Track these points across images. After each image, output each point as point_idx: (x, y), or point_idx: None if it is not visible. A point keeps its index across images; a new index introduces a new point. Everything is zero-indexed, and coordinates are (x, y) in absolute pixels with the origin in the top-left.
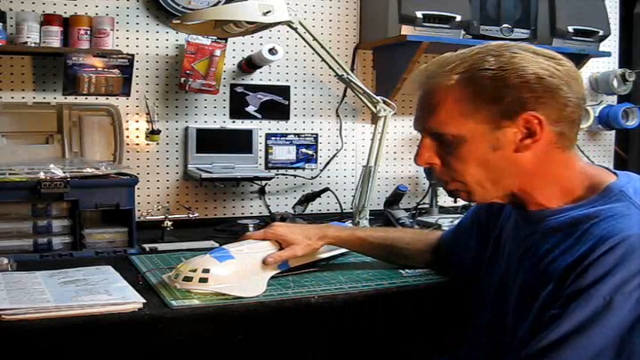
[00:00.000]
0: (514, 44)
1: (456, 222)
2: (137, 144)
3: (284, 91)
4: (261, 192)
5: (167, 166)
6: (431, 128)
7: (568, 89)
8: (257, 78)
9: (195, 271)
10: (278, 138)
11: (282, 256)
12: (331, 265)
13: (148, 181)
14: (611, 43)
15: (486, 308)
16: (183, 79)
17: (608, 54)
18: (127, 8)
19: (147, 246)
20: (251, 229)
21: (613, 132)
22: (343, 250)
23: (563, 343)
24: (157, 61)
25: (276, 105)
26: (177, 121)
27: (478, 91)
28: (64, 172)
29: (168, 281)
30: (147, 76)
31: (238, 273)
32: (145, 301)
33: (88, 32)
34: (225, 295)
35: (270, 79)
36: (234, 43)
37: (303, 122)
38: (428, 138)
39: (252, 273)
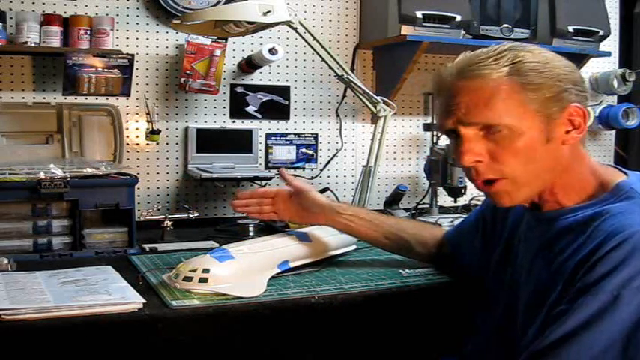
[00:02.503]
0: (527, 45)
1: (457, 222)
2: (137, 144)
3: (284, 91)
4: None
5: (167, 166)
6: (484, 121)
7: (584, 88)
8: (257, 78)
9: (195, 271)
10: (278, 138)
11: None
12: (331, 265)
13: (148, 181)
14: (611, 43)
15: (497, 308)
16: (183, 79)
17: (608, 54)
18: (127, 8)
19: (147, 246)
20: (251, 229)
21: (613, 132)
22: (346, 249)
23: (570, 339)
24: (157, 61)
25: (276, 105)
26: (177, 121)
27: (529, 82)
28: (64, 172)
29: (168, 281)
30: (147, 76)
31: (238, 273)
32: (144, 301)
33: (88, 32)
34: (225, 295)
35: (270, 79)
36: (234, 43)
37: (303, 122)
38: (474, 133)
39: (252, 273)
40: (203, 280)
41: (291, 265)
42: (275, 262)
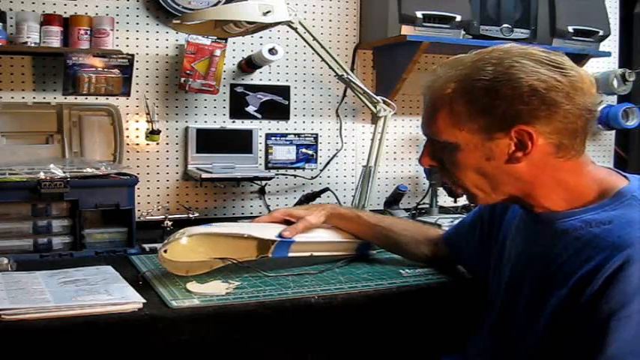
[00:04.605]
0: (520, 50)
1: (457, 222)
2: (137, 144)
3: (284, 91)
4: (261, 192)
5: (167, 166)
6: (429, 134)
7: (568, 101)
8: (257, 78)
9: (182, 233)
10: (278, 138)
11: (298, 228)
12: (330, 264)
13: (148, 181)
14: (611, 43)
15: (493, 308)
16: (183, 79)
17: (608, 54)
18: (127, 8)
19: (147, 246)
20: None
21: (613, 132)
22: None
23: None
24: (156, 61)
25: (276, 105)
26: (177, 121)
27: (472, 101)
28: (64, 172)
29: (158, 257)
30: (147, 76)
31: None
32: (144, 301)
33: (88, 32)
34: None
35: (270, 79)
36: (234, 43)
37: (303, 122)
38: (429, 142)
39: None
40: (182, 234)
41: (295, 239)
42: (272, 233)
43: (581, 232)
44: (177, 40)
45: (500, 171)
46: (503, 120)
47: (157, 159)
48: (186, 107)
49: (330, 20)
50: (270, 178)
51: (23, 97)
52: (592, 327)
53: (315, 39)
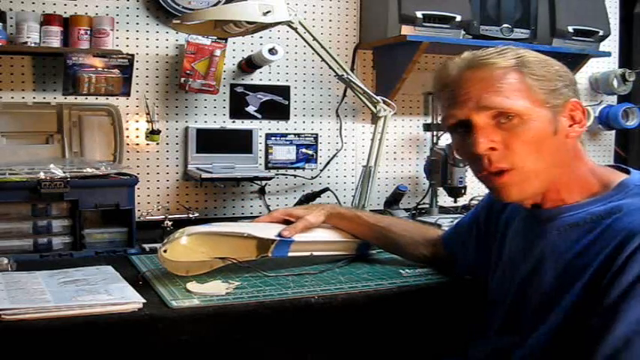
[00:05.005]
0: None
1: (456, 222)
2: (137, 144)
3: (284, 91)
4: (261, 192)
5: (167, 166)
6: (497, 106)
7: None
8: (257, 78)
9: (182, 232)
10: (278, 138)
11: (298, 228)
12: (330, 265)
13: (148, 181)
14: (611, 43)
15: (499, 308)
16: (183, 79)
17: (608, 54)
18: (127, 8)
19: (147, 246)
20: None
21: (613, 132)
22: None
23: (626, 345)
24: (157, 61)
25: (276, 105)
26: (177, 121)
27: (535, 73)
28: (64, 172)
29: (158, 257)
30: (147, 76)
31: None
32: (144, 301)
33: (88, 32)
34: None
35: (270, 79)
36: (234, 43)
37: (303, 122)
38: (487, 121)
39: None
40: (181, 233)
41: (295, 239)
42: (272, 232)
43: (591, 225)
44: (177, 40)
45: (557, 148)
46: (562, 94)
47: (157, 159)
48: (186, 107)
49: (330, 20)
50: (270, 178)
51: (23, 97)
52: (603, 309)
53: (315, 39)
